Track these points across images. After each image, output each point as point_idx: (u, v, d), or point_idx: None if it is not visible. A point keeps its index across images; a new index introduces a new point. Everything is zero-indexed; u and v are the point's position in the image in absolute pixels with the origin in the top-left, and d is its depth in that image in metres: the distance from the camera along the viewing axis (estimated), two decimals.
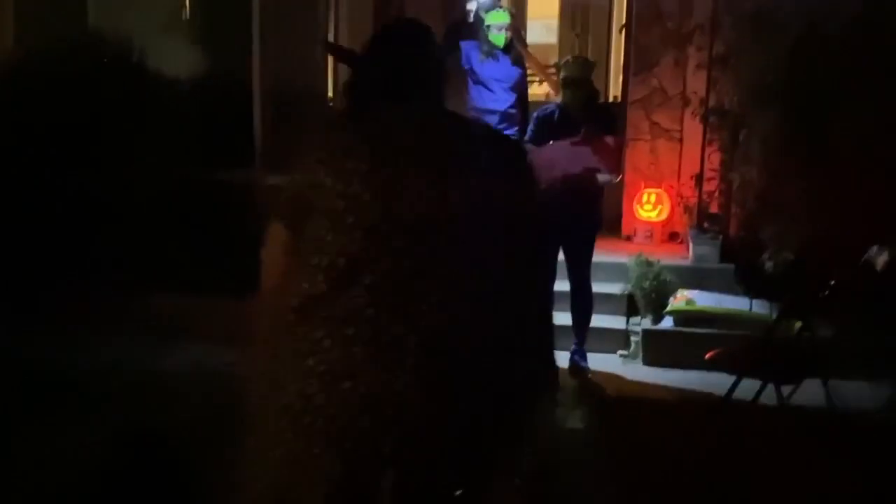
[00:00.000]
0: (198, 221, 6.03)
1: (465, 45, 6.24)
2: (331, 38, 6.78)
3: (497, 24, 6.19)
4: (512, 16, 6.34)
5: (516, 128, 6.12)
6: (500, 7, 6.56)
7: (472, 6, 6.19)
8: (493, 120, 6.19)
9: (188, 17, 6.88)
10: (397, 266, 1.70)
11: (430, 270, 1.70)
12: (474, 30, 6.31)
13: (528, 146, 5.05)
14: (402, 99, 1.90)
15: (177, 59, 6.58)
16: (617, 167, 5.35)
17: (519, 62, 6.27)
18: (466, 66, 6.22)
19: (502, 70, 6.21)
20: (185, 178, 6.25)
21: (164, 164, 6.17)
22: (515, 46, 6.26)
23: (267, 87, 6.76)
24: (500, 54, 6.13)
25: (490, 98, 6.23)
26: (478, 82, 6.23)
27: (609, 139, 5.06)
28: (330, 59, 6.83)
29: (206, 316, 5.81)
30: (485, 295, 1.71)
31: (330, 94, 6.91)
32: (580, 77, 5.15)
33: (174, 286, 5.84)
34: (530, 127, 5.36)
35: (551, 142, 5.02)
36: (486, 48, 6.19)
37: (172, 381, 5.00)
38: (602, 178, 5.10)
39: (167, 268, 5.80)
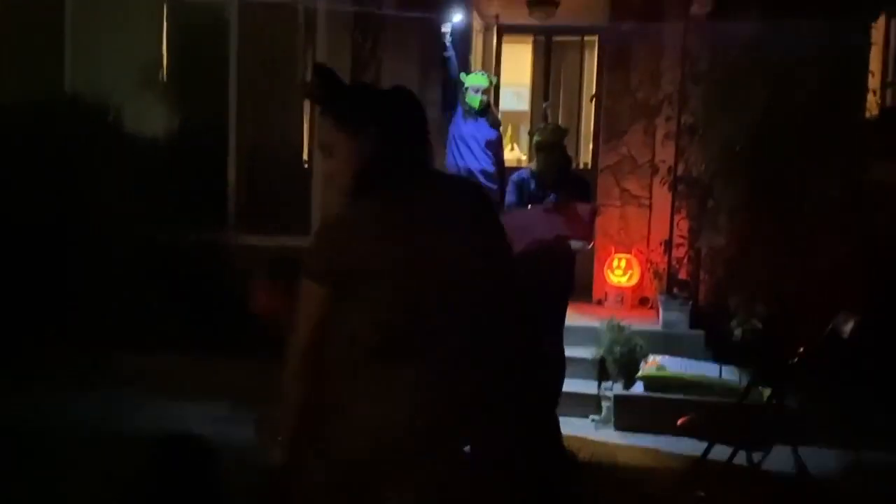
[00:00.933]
0: (169, 281, 6.01)
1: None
2: (308, 103, 6.85)
3: (474, 86, 6.33)
4: (490, 80, 6.49)
5: (495, 186, 6.21)
6: (480, 71, 6.71)
7: (450, 54, 6.31)
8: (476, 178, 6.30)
9: (165, 78, 6.92)
10: (423, 304, 2.05)
11: (449, 305, 2.06)
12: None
13: (505, 210, 5.12)
14: (410, 168, 2.16)
15: (153, 119, 6.63)
16: (590, 234, 5.41)
17: (495, 125, 6.40)
18: (451, 125, 6.37)
19: (480, 130, 6.34)
20: (157, 237, 6.24)
21: (138, 223, 6.17)
22: (492, 109, 6.39)
23: (242, 148, 6.81)
24: (478, 115, 6.26)
25: (469, 156, 6.34)
26: (457, 140, 6.35)
27: (583, 207, 5.13)
28: (307, 125, 6.89)
29: (174, 374, 5.78)
30: (491, 316, 2.12)
31: (305, 154, 6.95)
32: (553, 143, 5.25)
33: (145, 345, 5.79)
34: (507, 190, 5.45)
35: (529, 206, 5.08)
36: (465, 108, 6.32)
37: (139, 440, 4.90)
38: (575, 244, 5.15)
39: (137, 327, 5.76)
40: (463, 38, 6.93)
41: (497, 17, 7.78)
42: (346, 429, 2.10)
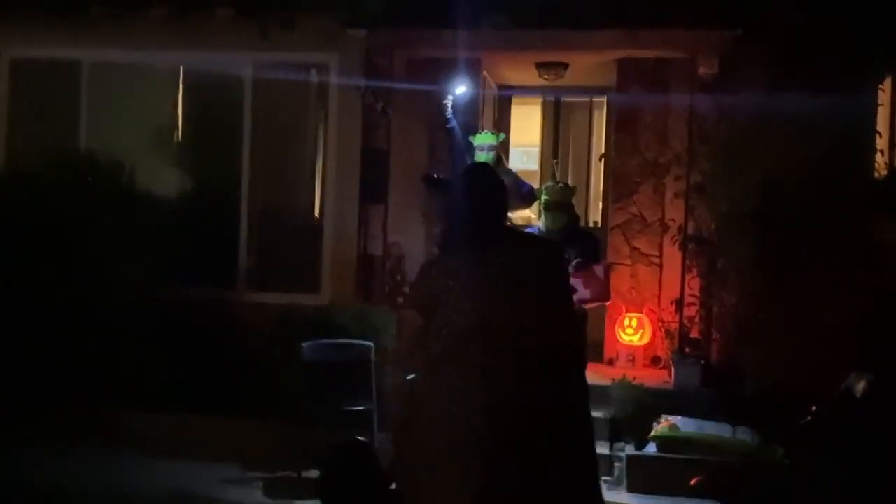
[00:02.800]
0: (175, 340, 6.05)
1: None
2: (320, 162, 6.96)
3: (481, 144, 6.42)
4: (497, 137, 6.57)
5: None
6: (489, 130, 6.81)
7: (452, 125, 6.41)
8: None
9: (179, 139, 7.05)
10: (490, 333, 2.59)
11: (508, 337, 2.61)
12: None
13: None
14: (485, 228, 2.71)
15: (166, 180, 6.74)
16: (607, 294, 5.44)
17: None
18: None
19: None
20: (168, 296, 6.29)
21: (149, 282, 6.23)
22: (503, 166, 6.46)
23: (254, 209, 6.90)
24: None
25: None
26: None
27: (598, 268, 5.16)
28: (318, 183, 6.99)
29: (185, 434, 5.78)
30: (554, 350, 2.67)
31: (317, 215, 7.03)
32: (561, 201, 5.30)
33: (153, 404, 5.80)
34: None
35: None
36: None
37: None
38: (592, 304, 5.18)
39: (145, 386, 5.78)
40: (471, 102, 7.04)
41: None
42: (420, 415, 2.66)
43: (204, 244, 6.60)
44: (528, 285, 2.68)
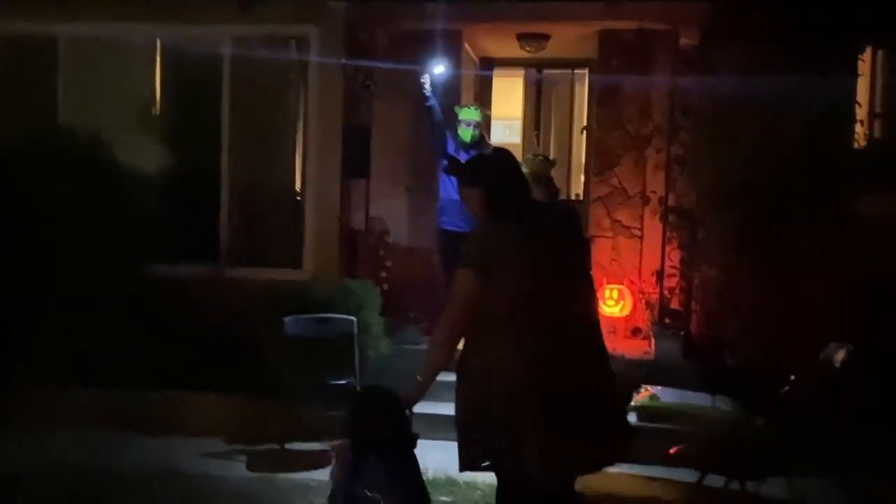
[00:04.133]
0: (158, 316, 6.01)
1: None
2: (301, 137, 6.90)
3: (466, 120, 6.36)
4: (482, 114, 6.52)
5: None
6: (473, 105, 6.75)
7: (425, 80, 6.31)
8: (459, 211, 6.29)
9: (158, 114, 6.96)
10: (543, 292, 3.07)
11: (559, 291, 3.11)
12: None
13: None
14: (516, 201, 3.24)
15: (145, 155, 6.65)
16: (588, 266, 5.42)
17: None
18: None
19: None
20: (150, 272, 6.24)
21: (128, 258, 6.17)
22: (486, 143, 6.42)
23: (234, 185, 6.84)
24: (471, 149, 6.27)
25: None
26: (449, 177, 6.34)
27: None
28: (299, 157, 6.93)
29: (168, 410, 5.77)
30: (585, 302, 3.21)
31: (298, 189, 6.97)
32: (540, 174, 5.28)
33: (132, 380, 5.78)
34: None
35: None
36: (457, 142, 6.35)
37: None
38: None
39: (124, 362, 5.75)
40: (453, 76, 6.96)
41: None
42: (480, 372, 3.05)
43: (184, 220, 6.54)
44: (568, 247, 3.22)
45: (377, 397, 3.20)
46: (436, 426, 3.73)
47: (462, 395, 3.13)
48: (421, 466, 3.15)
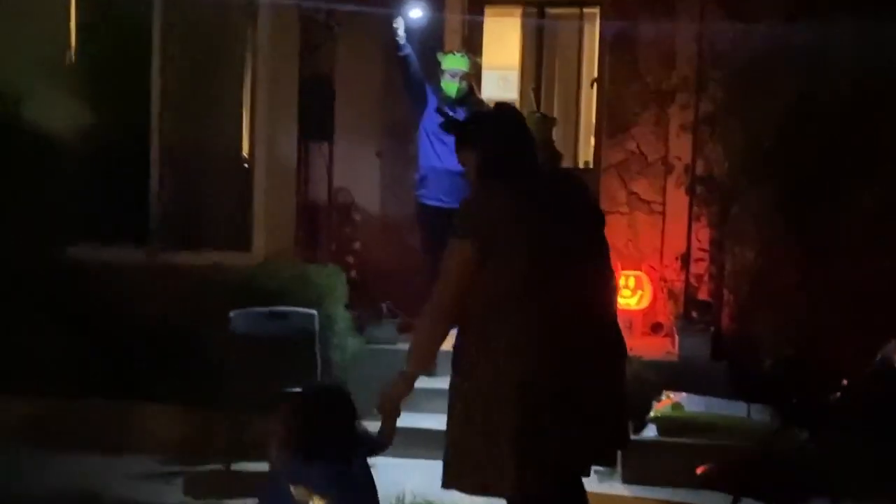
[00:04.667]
0: (74, 310, 5.99)
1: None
2: (249, 91, 6.87)
3: (451, 70, 6.35)
4: (471, 62, 6.50)
5: None
6: (459, 51, 6.73)
7: (399, 24, 6.27)
8: (442, 182, 6.31)
9: (72, 61, 6.91)
10: (547, 262, 3.22)
11: (567, 262, 3.26)
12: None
13: None
14: (515, 163, 3.40)
15: (56, 111, 6.60)
16: None
17: None
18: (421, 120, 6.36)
19: None
20: (61, 255, 6.21)
21: (35, 240, 6.15)
22: (475, 97, 6.41)
23: (167, 149, 6.80)
24: (457, 105, 6.27)
25: (445, 156, 6.36)
26: (430, 137, 6.35)
27: None
28: (247, 116, 6.90)
29: (90, 423, 5.77)
30: (596, 275, 3.39)
31: (245, 155, 6.95)
32: (538, 135, 5.29)
33: (54, 388, 5.77)
34: None
35: None
36: (440, 97, 6.34)
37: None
38: None
39: (39, 368, 5.74)
40: (436, 16, 6.94)
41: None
42: (487, 351, 3.19)
43: (105, 192, 6.51)
44: (584, 223, 3.40)
45: (323, 396, 3.34)
46: (413, 441, 3.74)
47: (461, 398, 3.25)
48: (398, 488, 3.34)
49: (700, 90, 6.73)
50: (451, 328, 3.34)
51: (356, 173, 7.25)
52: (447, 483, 3.27)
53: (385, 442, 3.28)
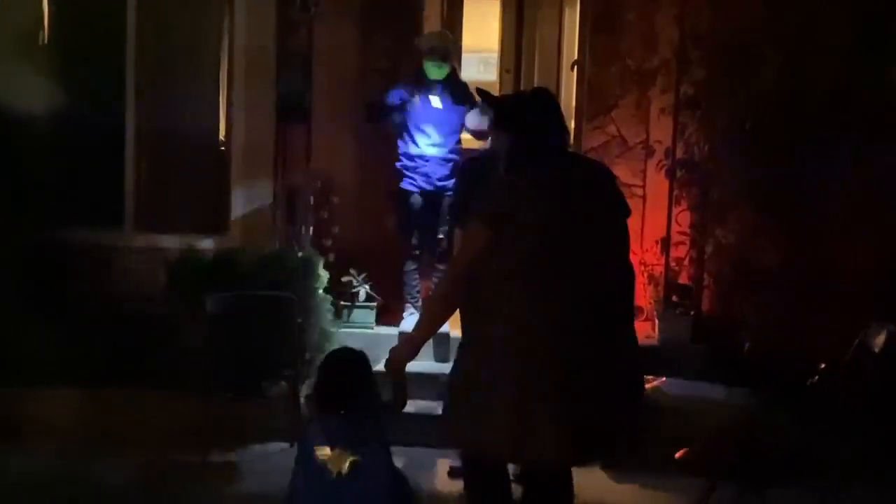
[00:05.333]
0: (46, 294, 5.94)
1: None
2: (225, 71, 6.81)
3: (432, 46, 6.33)
4: (453, 43, 6.49)
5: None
6: (439, 32, 6.72)
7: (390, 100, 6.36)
8: (421, 168, 6.29)
9: (45, 42, 6.83)
10: (556, 248, 3.30)
11: (573, 251, 3.32)
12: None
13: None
14: (541, 151, 3.48)
15: (30, 93, 6.52)
16: None
17: (464, 100, 6.37)
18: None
19: (442, 108, 6.31)
20: (35, 239, 6.15)
21: (9, 221, 6.09)
22: (456, 80, 6.40)
23: (143, 130, 6.74)
24: (438, 87, 6.27)
25: (424, 143, 6.34)
26: (414, 125, 6.33)
27: None
28: (223, 96, 6.85)
29: (62, 412, 5.71)
30: (604, 263, 3.42)
31: (222, 136, 6.90)
32: None
33: (24, 375, 5.71)
34: (455, 181, 5.41)
35: None
36: (420, 80, 6.32)
37: None
38: None
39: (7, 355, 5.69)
40: None
41: None
42: (492, 325, 3.32)
43: (79, 174, 6.46)
44: (597, 205, 3.45)
45: (341, 357, 3.63)
46: (395, 428, 3.72)
47: (464, 364, 3.44)
48: None
49: (681, 73, 6.70)
50: (458, 304, 3.51)
51: (334, 155, 7.20)
52: (442, 441, 3.64)
53: (396, 402, 3.51)
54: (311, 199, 7.00)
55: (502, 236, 3.29)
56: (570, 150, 3.94)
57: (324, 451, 3.34)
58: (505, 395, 3.24)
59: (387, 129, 6.51)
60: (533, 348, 3.26)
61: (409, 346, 3.51)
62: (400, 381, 3.50)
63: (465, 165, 5.53)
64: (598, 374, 3.30)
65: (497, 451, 3.35)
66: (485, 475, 3.54)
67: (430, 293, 3.70)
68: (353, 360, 3.55)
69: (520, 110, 3.61)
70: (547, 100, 3.67)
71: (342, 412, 3.41)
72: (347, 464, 3.31)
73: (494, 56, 9.04)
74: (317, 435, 3.39)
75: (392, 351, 3.51)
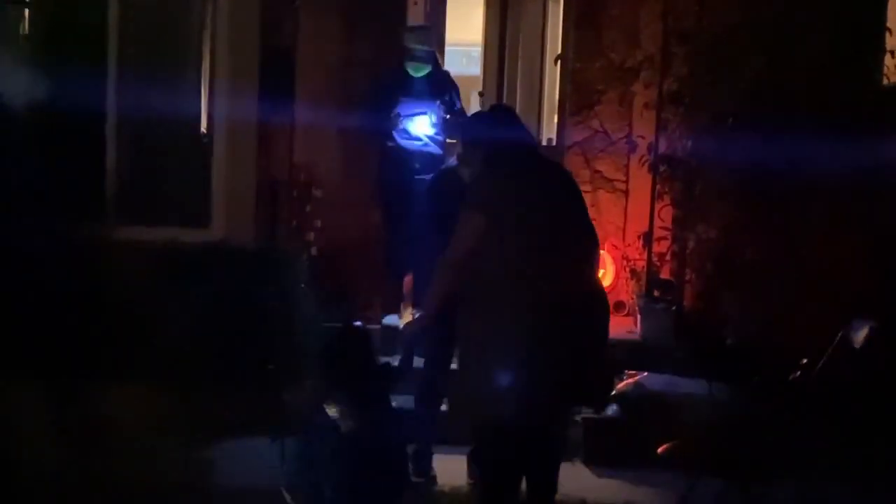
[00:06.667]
0: (28, 287, 5.87)
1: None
2: (208, 64, 6.77)
3: (417, 45, 6.33)
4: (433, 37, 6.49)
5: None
6: (422, 27, 6.72)
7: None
8: (406, 160, 6.29)
9: (27, 31, 6.76)
10: (543, 238, 3.82)
11: (557, 238, 3.87)
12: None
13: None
14: (514, 153, 4.04)
15: (10, 84, 6.46)
16: None
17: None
18: None
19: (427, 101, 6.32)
20: (13, 232, 6.09)
21: None
22: (440, 74, 6.41)
23: (125, 122, 6.69)
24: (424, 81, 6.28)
25: (403, 135, 6.33)
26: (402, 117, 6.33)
27: None
28: (206, 89, 6.80)
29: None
30: (582, 249, 4.00)
31: (204, 129, 6.85)
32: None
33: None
34: (427, 191, 5.42)
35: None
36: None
37: None
38: None
39: None
40: None
41: None
42: (489, 308, 3.81)
43: (60, 166, 6.37)
44: (572, 198, 4.05)
45: (343, 333, 4.11)
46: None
47: (474, 333, 3.88)
48: None
49: (665, 67, 6.71)
50: (457, 283, 3.92)
51: (318, 149, 7.17)
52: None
53: (403, 371, 4.17)
54: (294, 192, 6.99)
55: (496, 222, 3.75)
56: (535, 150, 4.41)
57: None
58: (520, 354, 3.72)
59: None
60: (536, 311, 3.74)
61: (418, 322, 4.20)
62: (409, 351, 4.27)
63: (439, 174, 5.48)
64: (582, 325, 3.84)
65: (517, 402, 3.72)
66: (501, 439, 3.84)
67: (433, 277, 4.02)
68: (359, 332, 4.13)
69: (484, 125, 4.19)
70: (508, 115, 4.30)
71: (343, 381, 3.85)
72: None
73: (478, 49, 9.01)
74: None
75: (405, 326, 4.33)
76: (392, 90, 6.37)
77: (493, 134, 4.04)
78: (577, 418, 5.66)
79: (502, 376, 3.71)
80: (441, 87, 6.43)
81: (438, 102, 6.36)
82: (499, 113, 4.40)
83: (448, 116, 6.29)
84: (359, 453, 3.76)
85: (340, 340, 4.01)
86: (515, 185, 3.90)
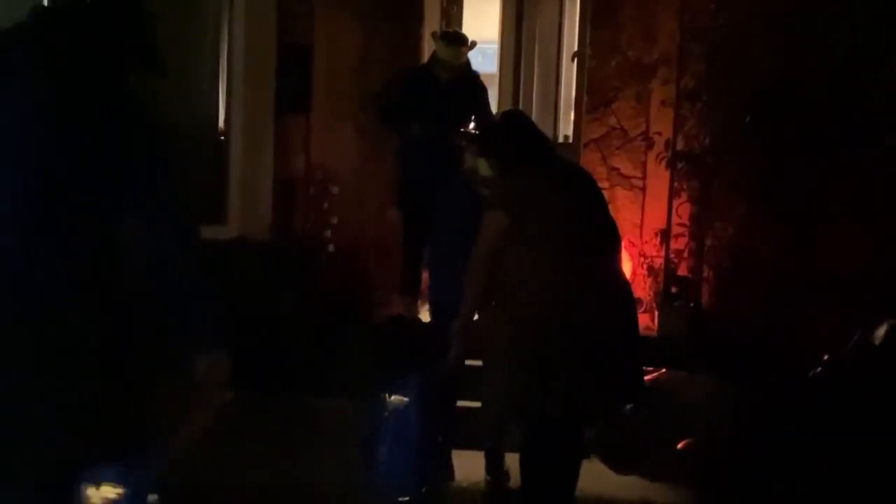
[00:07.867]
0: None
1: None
2: (225, 62, 6.77)
3: (450, 52, 6.35)
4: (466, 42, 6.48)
5: None
6: (453, 31, 6.72)
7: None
8: (425, 161, 6.27)
9: None
10: (567, 231, 3.89)
11: (581, 234, 3.93)
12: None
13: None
14: (545, 159, 4.14)
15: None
16: None
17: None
18: None
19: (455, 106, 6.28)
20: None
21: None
22: (473, 76, 6.41)
23: None
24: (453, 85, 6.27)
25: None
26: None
27: None
28: (223, 87, 6.80)
29: None
30: (605, 245, 4.05)
31: (221, 127, 6.85)
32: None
33: None
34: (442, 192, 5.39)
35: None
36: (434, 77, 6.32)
37: None
38: None
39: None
40: None
41: None
42: (523, 299, 3.87)
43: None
44: (593, 196, 4.11)
45: (400, 327, 4.88)
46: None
47: (506, 331, 3.93)
48: None
49: (682, 65, 6.69)
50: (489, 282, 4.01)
51: (334, 147, 7.17)
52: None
53: (454, 363, 4.25)
54: (311, 189, 6.99)
55: (521, 221, 3.84)
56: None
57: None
58: (556, 352, 3.75)
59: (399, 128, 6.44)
60: (568, 308, 3.79)
61: (462, 318, 4.17)
62: (458, 343, 4.24)
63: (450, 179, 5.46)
64: (613, 320, 3.91)
65: (558, 399, 3.78)
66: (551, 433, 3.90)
67: (466, 276, 4.07)
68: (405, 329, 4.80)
69: (504, 136, 4.26)
70: (522, 121, 4.41)
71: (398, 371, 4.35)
72: None
73: (494, 48, 9.00)
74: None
75: (454, 322, 4.23)
76: (416, 93, 6.34)
77: (510, 139, 4.15)
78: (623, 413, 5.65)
79: (542, 375, 3.75)
80: (470, 96, 6.41)
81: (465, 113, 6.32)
82: (512, 118, 4.58)
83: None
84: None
85: (390, 332, 4.62)
86: (536, 184, 3.98)
